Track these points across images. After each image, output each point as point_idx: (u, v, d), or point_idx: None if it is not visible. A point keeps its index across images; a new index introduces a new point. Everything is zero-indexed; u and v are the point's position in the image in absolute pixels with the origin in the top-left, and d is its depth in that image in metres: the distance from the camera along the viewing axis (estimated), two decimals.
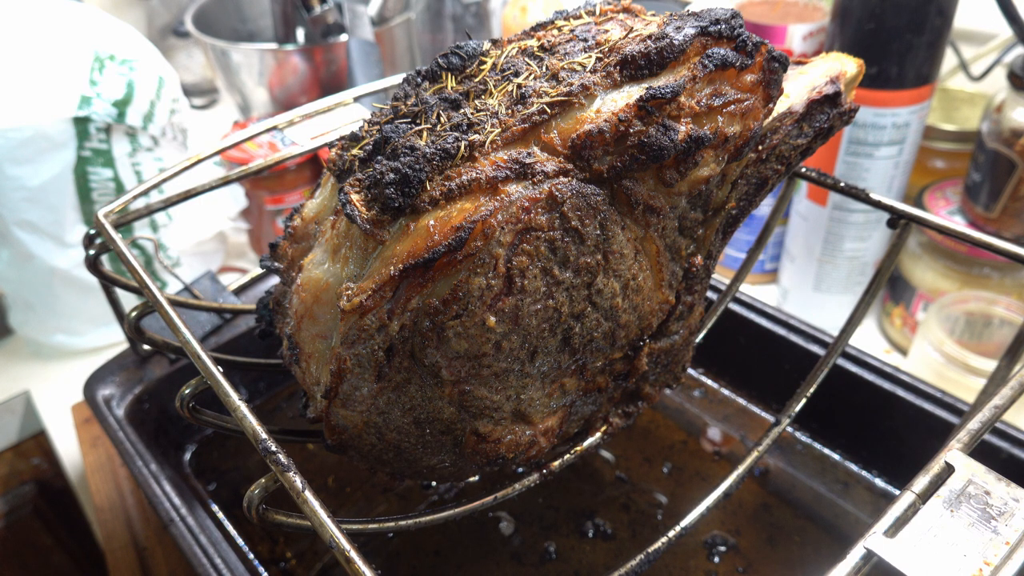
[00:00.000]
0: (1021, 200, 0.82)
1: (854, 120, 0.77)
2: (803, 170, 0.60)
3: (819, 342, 0.73)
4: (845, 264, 0.90)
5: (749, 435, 0.75)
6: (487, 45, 0.47)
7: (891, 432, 0.68)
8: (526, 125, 0.40)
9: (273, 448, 0.38)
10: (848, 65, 0.51)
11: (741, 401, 0.79)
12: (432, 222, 0.38)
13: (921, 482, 0.34)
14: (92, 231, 0.60)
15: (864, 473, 0.70)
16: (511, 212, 0.38)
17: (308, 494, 0.36)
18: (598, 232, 0.41)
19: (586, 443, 0.52)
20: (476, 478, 0.70)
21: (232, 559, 0.59)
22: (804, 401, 0.55)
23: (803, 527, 0.67)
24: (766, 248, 0.98)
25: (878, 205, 0.57)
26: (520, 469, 0.68)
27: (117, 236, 0.54)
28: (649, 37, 0.42)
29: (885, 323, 0.96)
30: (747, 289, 1.03)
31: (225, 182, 0.64)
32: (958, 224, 0.54)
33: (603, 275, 0.42)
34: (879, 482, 0.70)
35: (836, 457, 0.72)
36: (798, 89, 0.49)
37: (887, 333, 0.96)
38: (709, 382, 0.82)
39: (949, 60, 0.97)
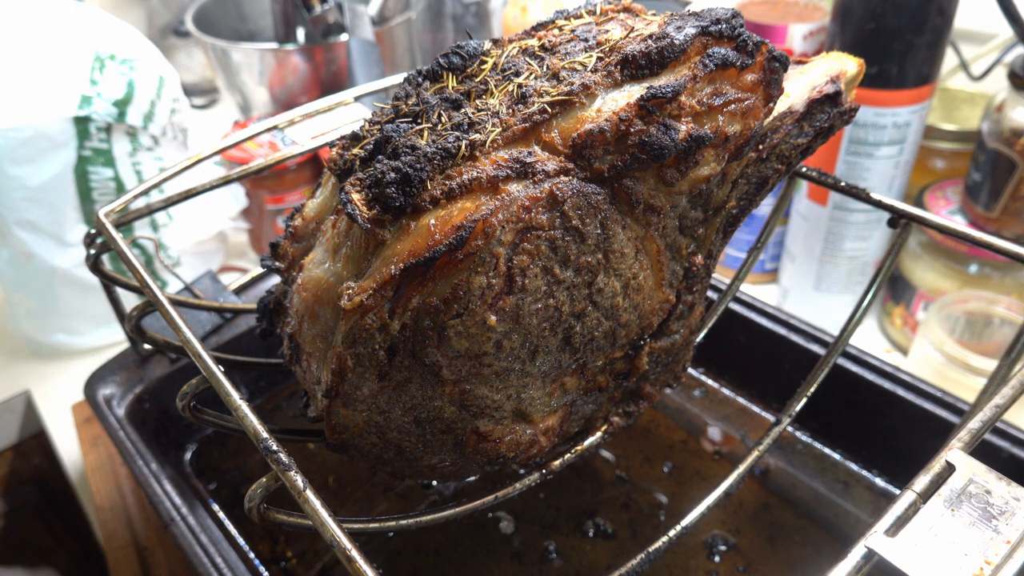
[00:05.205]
0: (1021, 200, 0.82)
1: (854, 120, 0.77)
2: (803, 169, 0.60)
3: (819, 342, 0.73)
4: (845, 264, 0.90)
5: (749, 435, 0.75)
6: (488, 45, 0.47)
7: (892, 432, 0.68)
8: (527, 124, 0.40)
9: (274, 447, 0.38)
10: (848, 64, 0.51)
11: (741, 401, 0.79)
12: (433, 221, 0.38)
13: (922, 481, 0.34)
14: (93, 230, 0.60)
15: (864, 473, 0.70)
16: (512, 211, 0.38)
17: (309, 493, 0.36)
18: (599, 231, 0.41)
19: (587, 442, 0.52)
20: (476, 477, 0.70)
21: (233, 558, 0.59)
22: (804, 401, 0.55)
23: (803, 527, 0.67)
24: (766, 248, 0.98)
25: (879, 205, 0.57)
26: (521, 469, 0.68)
27: (118, 235, 0.54)
28: (650, 37, 0.42)
29: (885, 323, 0.96)
30: (747, 289, 1.03)
31: (225, 182, 0.64)
32: (958, 224, 0.54)
33: (604, 274, 0.42)
34: (879, 481, 0.70)
35: (836, 457, 0.72)
36: (798, 88, 0.49)
37: (887, 333, 0.96)
38: (709, 382, 0.82)
39: (949, 60, 0.97)
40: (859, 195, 0.57)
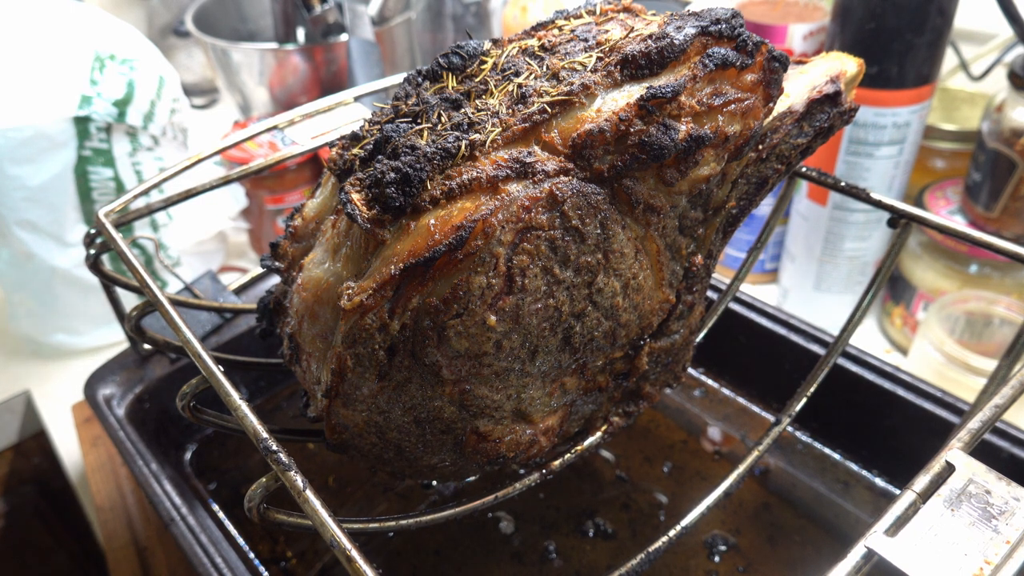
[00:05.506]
0: (1021, 200, 0.82)
1: (854, 120, 0.77)
2: (803, 169, 0.60)
3: (819, 342, 0.73)
4: (845, 264, 0.90)
5: (749, 435, 0.75)
6: (488, 45, 0.47)
7: (891, 431, 0.68)
8: (527, 124, 0.40)
9: (274, 447, 0.38)
10: (848, 64, 0.51)
11: (741, 401, 0.79)
12: (433, 221, 0.38)
13: (922, 481, 0.34)
14: (93, 230, 0.60)
15: (864, 472, 0.70)
16: (512, 211, 0.38)
17: (309, 493, 0.36)
18: (599, 231, 0.41)
19: (586, 442, 0.52)
20: (476, 477, 0.70)
21: (232, 558, 0.59)
22: (804, 400, 0.55)
23: (803, 527, 0.67)
24: (766, 248, 0.98)
25: (878, 205, 0.57)
26: (521, 469, 0.68)
27: (118, 235, 0.54)
28: (650, 37, 0.42)
29: (885, 323, 0.96)
30: (747, 289, 1.03)
31: (225, 182, 0.64)
32: (958, 224, 0.54)
33: (604, 274, 0.42)
34: (879, 481, 0.70)
35: (836, 457, 0.72)
36: (798, 88, 0.49)
37: (887, 333, 0.96)
38: (709, 382, 0.82)
39: (949, 60, 0.97)
40: (859, 195, 0.57)
